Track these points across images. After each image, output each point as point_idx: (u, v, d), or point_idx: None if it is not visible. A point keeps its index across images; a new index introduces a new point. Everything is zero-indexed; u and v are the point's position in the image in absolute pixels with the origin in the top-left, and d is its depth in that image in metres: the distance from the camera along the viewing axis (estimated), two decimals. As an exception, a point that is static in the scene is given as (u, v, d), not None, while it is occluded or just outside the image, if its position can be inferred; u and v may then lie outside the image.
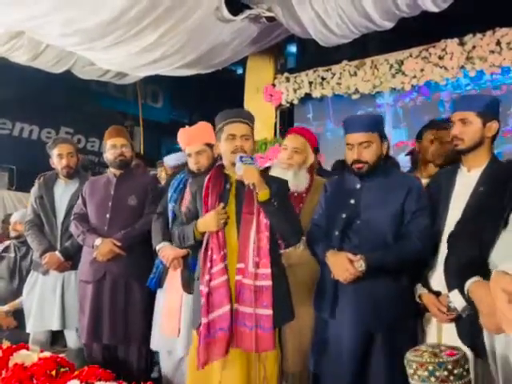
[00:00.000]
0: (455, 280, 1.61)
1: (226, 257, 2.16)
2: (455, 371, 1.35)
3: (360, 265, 2.04)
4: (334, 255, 2.13)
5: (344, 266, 2.06)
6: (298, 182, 2.56)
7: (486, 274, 1.49)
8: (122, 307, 2.96)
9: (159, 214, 2.91)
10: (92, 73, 5.98)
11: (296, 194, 2.54)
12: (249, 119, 2.30)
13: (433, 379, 1.34)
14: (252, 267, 2.11)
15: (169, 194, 2.88)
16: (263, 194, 2.11)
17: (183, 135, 2.86)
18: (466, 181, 2.04)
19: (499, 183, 1.66)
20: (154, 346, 2.86)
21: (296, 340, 2.42)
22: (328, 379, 2.20)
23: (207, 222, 2.18)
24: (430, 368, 1.35)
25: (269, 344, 2.08)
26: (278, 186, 2.22)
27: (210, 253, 2.18)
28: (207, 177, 2.30)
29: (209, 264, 2.16)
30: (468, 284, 1.52)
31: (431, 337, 2.06)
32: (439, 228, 2.05)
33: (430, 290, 2.04)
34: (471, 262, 1.57)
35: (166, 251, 2.72)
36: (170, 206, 2.84)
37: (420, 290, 2.08)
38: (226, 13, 4.32)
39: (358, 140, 2.16)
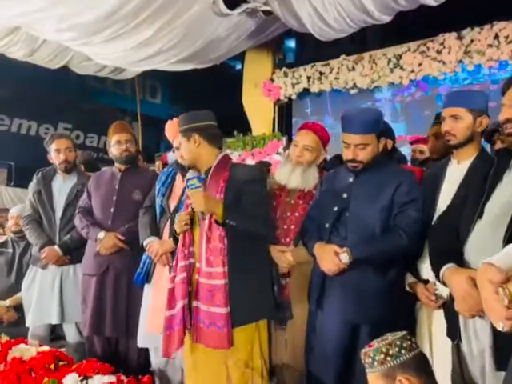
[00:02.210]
0: (434, 268, 1.67)
1: (190, 255, 2.22)
2: (404, 345, 1.51)
3: (344, 257, 2.04)
4: (320, 247, 2.15)
5: (329, 257, 2.07)
6: (306, 179, 2.51)
7: (460, 262, 1.57)
8: (125, 301, 2.95)
9: (147, 208, 2.86)
10: (89, 68, 5.98)
11: (306, 191, 2.54)
12: (184, 124, 2.28)
13: (388, 358, 1.51)
14: (205, 266, 2.15)
15: (156, 188, 2.83)
16: (217, 216, 2.13)
17: (170, 128, 2.74)
18: (456, 172, 2.06)
19: (481, 174, 1.69)
20: (140, 342, 2.80)
21: (300, 337, 2.37)
22: (318, 374, 2.18)
23: (176, 224, 2.30)
24: (384, 350, 1.52)
25: (223, 342, 2.08)
26: (252, 185, 2.22)
27: (177, 251, 2.27)
28: None
29: (175, 262, 2.26)
30: (442, 270, 1.59)
31: (422, 325, 2.07)
32: (429, 218, 2.06)
33: (419, 279, 2.04)
34: (448, 250, 1.64)
35: (154, 246, 2.68)
36: (158, 199, 2.77)
37: (409, 278, 2.10)
38: (222, 7, 4.32)
39: (354, 142, 2.15)
